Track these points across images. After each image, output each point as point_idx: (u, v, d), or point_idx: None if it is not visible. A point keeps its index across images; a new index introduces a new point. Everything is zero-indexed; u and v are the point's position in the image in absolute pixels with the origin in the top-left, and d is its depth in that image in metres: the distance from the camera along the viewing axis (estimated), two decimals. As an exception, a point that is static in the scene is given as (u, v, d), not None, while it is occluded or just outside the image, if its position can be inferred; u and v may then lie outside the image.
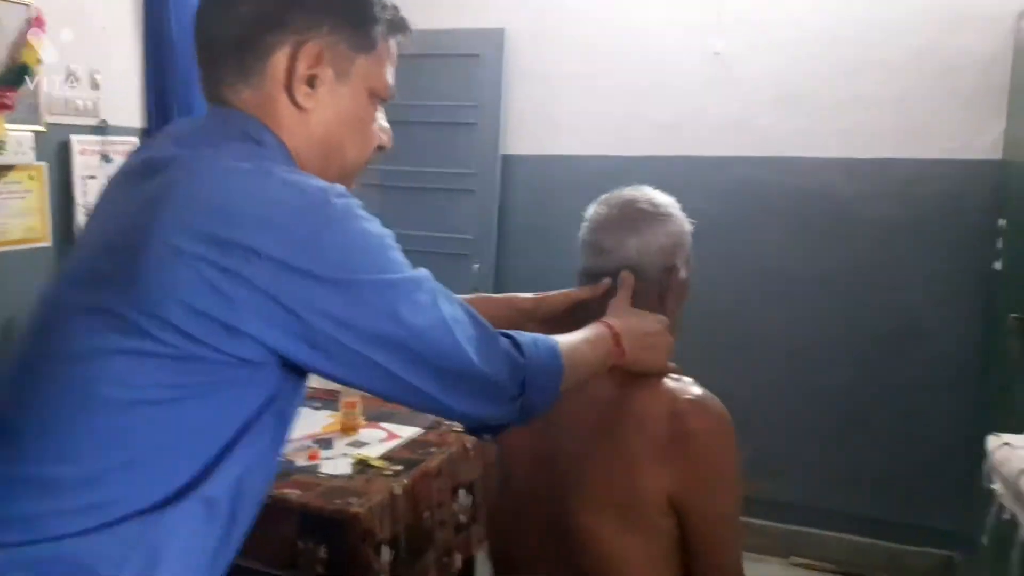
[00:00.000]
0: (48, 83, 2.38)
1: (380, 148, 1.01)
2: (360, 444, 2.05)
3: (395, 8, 0.97)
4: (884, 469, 3.01)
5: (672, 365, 1.21)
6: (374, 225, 0.84)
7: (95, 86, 2.57)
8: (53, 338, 0.80)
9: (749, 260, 3.11)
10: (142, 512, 0.78)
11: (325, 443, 2.05)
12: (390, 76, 0.98)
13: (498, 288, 3.36)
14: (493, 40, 3.39)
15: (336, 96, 0.93)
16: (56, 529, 0.76)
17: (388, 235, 0.85)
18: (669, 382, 1.17)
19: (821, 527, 3.11)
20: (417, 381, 0.84)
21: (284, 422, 0.90)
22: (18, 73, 2.22)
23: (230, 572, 0.93)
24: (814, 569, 3.04)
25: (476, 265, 3.48)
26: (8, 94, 2.19)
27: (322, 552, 1.69)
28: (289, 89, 0.90)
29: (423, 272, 0.87)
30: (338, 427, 2.13)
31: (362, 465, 1.91)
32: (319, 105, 0.92)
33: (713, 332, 3.04)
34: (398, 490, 1.80)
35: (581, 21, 3.31)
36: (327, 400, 2.32)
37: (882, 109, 2.93)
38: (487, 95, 3.44)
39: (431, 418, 2.23)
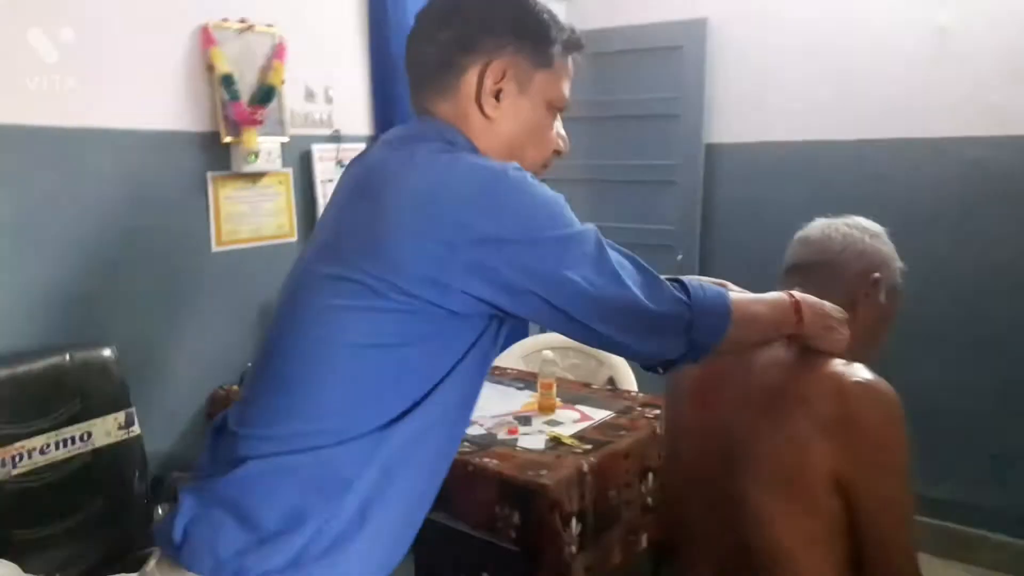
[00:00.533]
0: (290, 99, 2.72)
1: (557, 152, 1.16)
2: (555, 423, 2.18)
3: (572, 30, 1.13)
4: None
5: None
6: (547, 189, 0.99)
7: (329, 100, 2.90)
8: (307, 301, 1.01)
9: (977, 251, 2.85)
10: (371, 432, 0.98)
11: (524, 420, 2.20)
12: (566, 89, 1.14)
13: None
14: (696, 30, 3.39)
15: (518, 107, 1.09)
16: (313, 442, 0.98)
17: (560, 197, 0.99)
18: (839, 364, 1.18)
19: (1011, 533, 2.84)
20: (594, 323, 0.98)
21: (482, 369, 1.07)
22: (266, 92, 2.57)
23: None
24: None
25: (679, 256, 3.50)
26: (258, 111, 2.54)
27: (516, 518, 1.83)
28: (479, 101, 1.07)
29: (591, 226, 1.00)
30: (536, 406, 2.28)
31: (555, 442, 2.04)
32: (503, 115, 1.09)
33: (933, 335, 2.84)
34: (586, 467, 1.91)
35: (788, 2, 3.21)
36: (528, 382, 2.48)
37: None
38: (690, 85, 3.44)
39: (623, 403, 2.32)
